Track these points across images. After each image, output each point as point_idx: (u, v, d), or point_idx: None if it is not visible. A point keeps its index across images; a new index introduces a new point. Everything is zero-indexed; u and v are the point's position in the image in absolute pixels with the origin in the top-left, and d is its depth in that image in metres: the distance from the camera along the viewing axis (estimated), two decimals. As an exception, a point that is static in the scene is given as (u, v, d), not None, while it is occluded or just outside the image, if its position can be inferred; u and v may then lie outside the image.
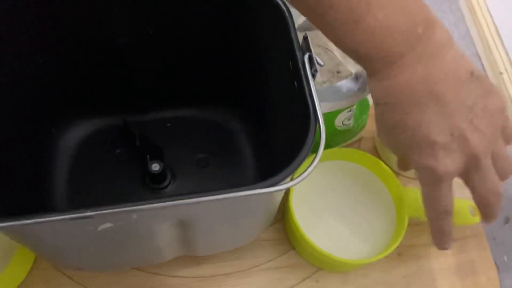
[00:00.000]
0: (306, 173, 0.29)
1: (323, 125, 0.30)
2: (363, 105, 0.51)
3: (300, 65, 0.33)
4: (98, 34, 0.43)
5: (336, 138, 0.52)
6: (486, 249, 0.52)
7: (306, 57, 0.33)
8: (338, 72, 0.53)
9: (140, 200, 0.28)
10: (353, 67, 0.52)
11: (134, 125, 0.49)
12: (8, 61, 0.40)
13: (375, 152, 0.57)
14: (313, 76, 0.32)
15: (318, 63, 0.32)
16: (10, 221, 0.26)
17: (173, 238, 0.37)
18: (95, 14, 0.42)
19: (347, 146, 0.57)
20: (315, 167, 0.29)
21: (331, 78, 0.53)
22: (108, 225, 0.31)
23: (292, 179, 0.30)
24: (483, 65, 0.68)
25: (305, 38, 0.33)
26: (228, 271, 0.48)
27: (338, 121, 0.49)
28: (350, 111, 0.48)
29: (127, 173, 0.48)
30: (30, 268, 0.45)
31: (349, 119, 0.50)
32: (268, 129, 0.46)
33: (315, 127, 0.31)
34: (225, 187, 0.29)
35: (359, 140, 0.58)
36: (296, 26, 0.37)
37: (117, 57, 0.45)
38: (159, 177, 0.46)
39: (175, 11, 0.42)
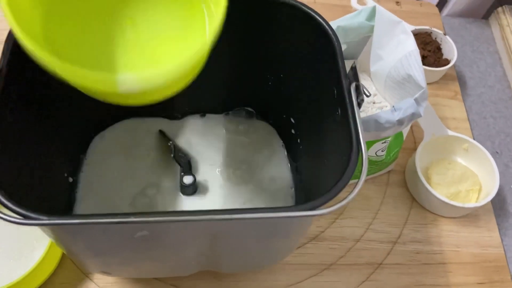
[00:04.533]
0: (345, 201, 0.29)
1: (366, 155, 0.30)
2: (398, 138, 0.51)
3: (346, 93, 0.33)
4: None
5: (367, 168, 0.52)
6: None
7: (353, 86, 0.33)
8: (374, 102, 0.54)
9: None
10: (389, 99, 0.52)
11: (170, 132, 0.50)
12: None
13: (405, 185, 0.56)
14: (359, 105, 0.33)
15: (365, 93, 0.33)
16: (61, 219, 0.27)
17: (203, 250, 0.37)
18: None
19: (376, 177, 0.57)
20: (354, 197, 0.29)
21: (366, 108, 0.53)
22: (145, 232, 0.31)
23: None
24: (518, 109, 0.68)
25: (353, 68, 0.34)
26: (248, 291, 0.48)
27: (372, 152, 0.49)
28: (384, 142, 0.48)
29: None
30: (55, 267, 0.46)
31: (382, 151, 0.50)
32: (304, 154, 0.47)
33: (357, 157, 0.31)
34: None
35: (389, 172, 0.57)
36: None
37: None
38: (190, 188, 0.47)
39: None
